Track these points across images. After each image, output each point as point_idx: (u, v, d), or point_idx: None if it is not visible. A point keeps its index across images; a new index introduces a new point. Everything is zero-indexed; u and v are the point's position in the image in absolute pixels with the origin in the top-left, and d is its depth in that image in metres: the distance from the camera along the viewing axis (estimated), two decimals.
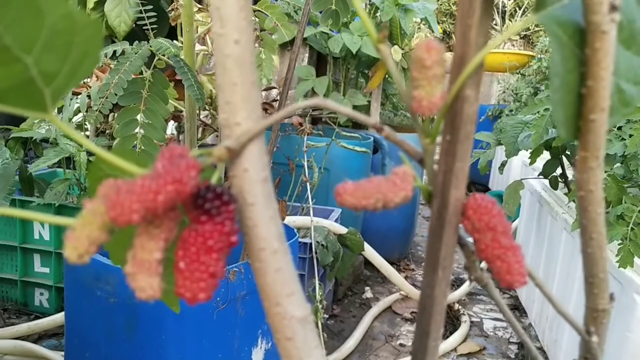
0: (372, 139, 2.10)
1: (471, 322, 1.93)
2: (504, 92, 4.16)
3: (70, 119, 1.82)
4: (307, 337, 0.26)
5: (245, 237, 0.27)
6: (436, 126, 0.28)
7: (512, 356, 1.72)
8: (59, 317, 1.58)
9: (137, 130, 1.00)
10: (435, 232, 0.29)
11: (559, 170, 1.60)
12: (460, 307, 2.00)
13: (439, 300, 0.29)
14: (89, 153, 1.79)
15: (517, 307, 2.07)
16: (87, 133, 1.94)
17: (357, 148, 1.88)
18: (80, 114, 1.91)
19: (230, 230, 0.24)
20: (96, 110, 0.91)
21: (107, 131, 1.97)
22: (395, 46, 2.22)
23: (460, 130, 0.28)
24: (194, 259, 0.23)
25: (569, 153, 1.57)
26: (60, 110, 1.79)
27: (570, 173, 1.67)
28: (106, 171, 0.30)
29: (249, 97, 0.26)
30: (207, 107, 1.77)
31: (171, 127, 2.03)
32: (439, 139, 0.30)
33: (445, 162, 0.28)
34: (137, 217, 0.21)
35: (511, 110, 3.27)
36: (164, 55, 1.02)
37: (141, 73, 1.08)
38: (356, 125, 2.50)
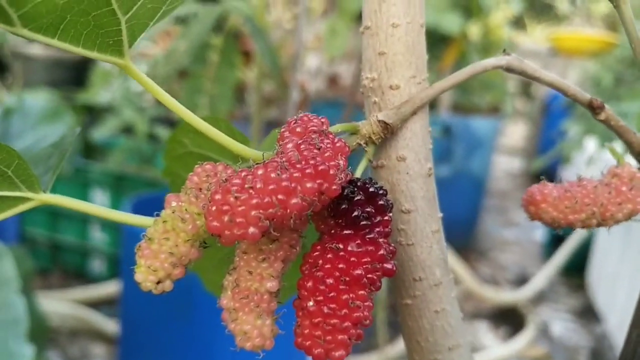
0: (441, 121, 1.98)
1: (537, 325, 1.80)
2: (581, 79, 3.88)
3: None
4: None
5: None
6: None
7: None
8: (114, 286, 1.58)
9: (203, 99, 0.93)
10: None
11: None
12: (526, 308, 1.88)
13: None
14: (151, 122, 1.77)
15: (589, 311, 1.93)
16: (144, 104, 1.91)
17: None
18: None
19: (386, 253, 0.16)
20: (163, 77, 0.85)
21: None
22: (472, 24, 2.07)
23: None
24: (331, 296, 0.15)
25: None
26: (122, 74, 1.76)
27: None
28: (190, 147, 0.22)
29: (414, 48, 0.17)
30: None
31: None
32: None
33: None
34: (256, 231, 0.13)
35: None
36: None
37: None
38: None
